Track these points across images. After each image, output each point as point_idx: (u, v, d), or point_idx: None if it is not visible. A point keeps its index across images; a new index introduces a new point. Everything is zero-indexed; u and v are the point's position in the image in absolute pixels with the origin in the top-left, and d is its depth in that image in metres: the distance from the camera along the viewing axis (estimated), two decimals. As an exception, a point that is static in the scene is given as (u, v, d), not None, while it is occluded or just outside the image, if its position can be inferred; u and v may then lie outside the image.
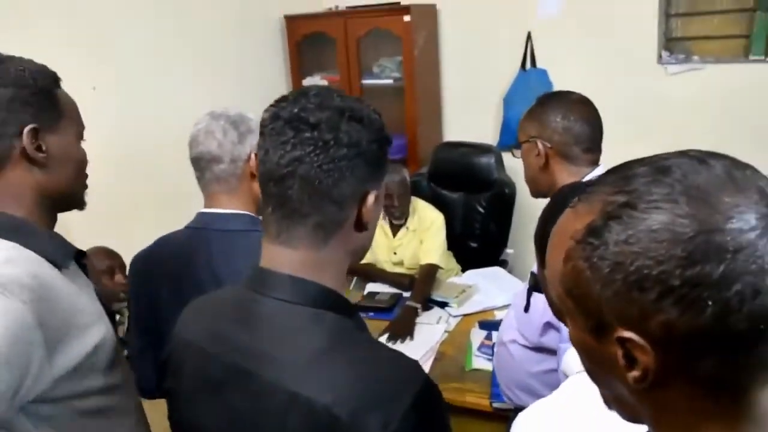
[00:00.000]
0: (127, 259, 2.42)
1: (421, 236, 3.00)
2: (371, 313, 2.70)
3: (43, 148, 1.14)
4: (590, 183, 0.62)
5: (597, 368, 0.62)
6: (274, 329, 0.86)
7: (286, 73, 3.80)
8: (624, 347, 0.54)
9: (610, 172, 0.59)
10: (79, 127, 1.23)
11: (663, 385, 0.55)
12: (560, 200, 1.02)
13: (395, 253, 3.06)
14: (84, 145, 1.26)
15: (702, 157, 0.55)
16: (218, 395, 0.88)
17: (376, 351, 0.88)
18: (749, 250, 0.49)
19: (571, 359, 1.12)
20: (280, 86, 3.77)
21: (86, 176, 1.27)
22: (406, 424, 0.77)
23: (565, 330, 1.54)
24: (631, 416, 0.63)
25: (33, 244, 1.11)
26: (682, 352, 0.52)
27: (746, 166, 0.55)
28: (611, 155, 1.60)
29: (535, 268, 1.68)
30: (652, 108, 3.36)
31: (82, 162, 1.24)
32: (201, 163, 1.54)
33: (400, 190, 2.88)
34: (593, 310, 0.56)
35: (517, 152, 1.72)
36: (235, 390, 0.86)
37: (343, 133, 0.85)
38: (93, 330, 1.14)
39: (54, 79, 1.19)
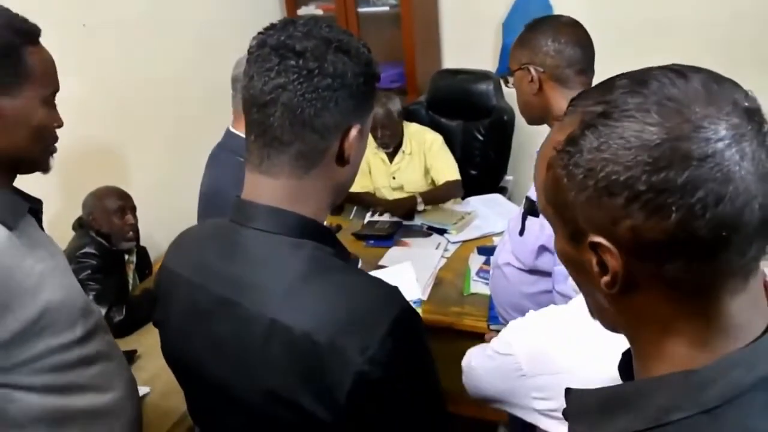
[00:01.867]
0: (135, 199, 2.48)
1: (425, 160, 3.05)
2: (371, 241, 2.75)
3: None
4: None
5: (578, 277, 0.65)
6: (254, 259, 0.88)
7: (281, 3, 3.72)
8: (596, 253, 0.57)
9: (596, 86, 0.61)
10: (45, 90, 1.17)
11: (634, 290, 0.57)
12: None
13: (394, 178, 3.10)
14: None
15: (682, 71, 0.57)
16: (204, 325, 0.91)
17: (355, 277, 0.89)
18: (715, 158, 0.51)
19: None
20: (274, 15, 3.69)
21: (49, 141, 1.22)
22: (384, 349, 0.78)
23: None
24: (611, 325, 0.66)
25: None
26: (649, 256, 0.54)
27: (725, 80, 0.56)
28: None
29: (530, 192, 1.70)
30: (656, 31, 3.29)
31: (41, 127, 1.18)
32: (234, 84, 1.70)
33: (385, 121, 2.91)
34: (570, 218, 0.59)
35: (510, 80, 1.71)
36: (219, 319, 0.88)
37: (329, 63, 0.84)
38: (37, 293, 1.14)
39: (26, 36, 1.13)
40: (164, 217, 2.66)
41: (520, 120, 3.22)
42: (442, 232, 2.76)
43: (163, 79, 2.89)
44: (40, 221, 1.27)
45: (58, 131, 1.24)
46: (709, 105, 0.53)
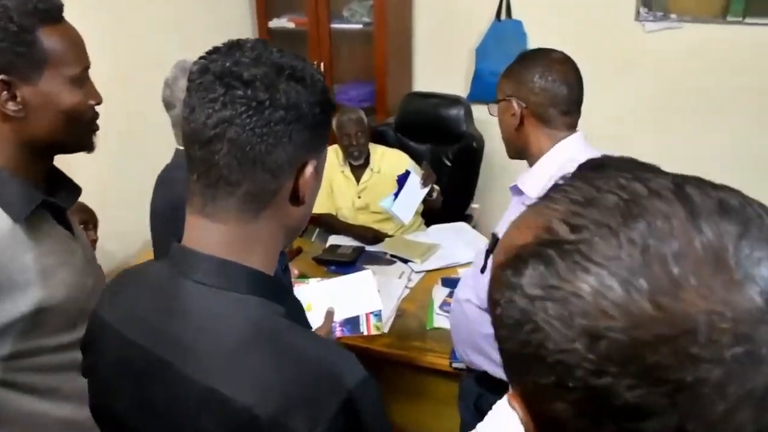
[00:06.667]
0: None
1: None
2: (333, 267, 2.64)
3: (18, 98, 1.06)
4: (600, 162, 0.51)
5: None
6: (193, 316, 0.78)
7: (252, 14, 3.62)
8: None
9: (588, 177, 0.45)
10: (71, 70, 1.11)
11: None
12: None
13: (359, 197, 3.01)
14: None
15: (695, 209, 0.38)
16: (134, 384, 0.81)
17: (306, 343, 0.78)
18: (701, 393, 0.35)
19: None
20: (245, 29, 3.59)
21: (87, 120, 1.17)
22: (334, 428, 0.70)
23: None
24: None
25: None
26: None
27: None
28: (584, 111, 1.53)
29: (496, 229, 1.62)
30: (628, 65, 3.29)
31: (73, 109, 1.12)
32: (167, 108, 1.69)
33: (358, 128, 2.87)
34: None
35: (493, 108, 1.64)
36: (151, 380, 0.79)
37: (281, 93, 0.75)
38: (32, 290, 1.10)
39: (42, 15, 1.05)
40: (118, 231, 2.53)
41: (489, 147, 3.22)
42: (405, 260, 2.67)
43: (121, 89, 2.74)
44: (62, 211, 1.22)
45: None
46: (731, 288, 0.35)
